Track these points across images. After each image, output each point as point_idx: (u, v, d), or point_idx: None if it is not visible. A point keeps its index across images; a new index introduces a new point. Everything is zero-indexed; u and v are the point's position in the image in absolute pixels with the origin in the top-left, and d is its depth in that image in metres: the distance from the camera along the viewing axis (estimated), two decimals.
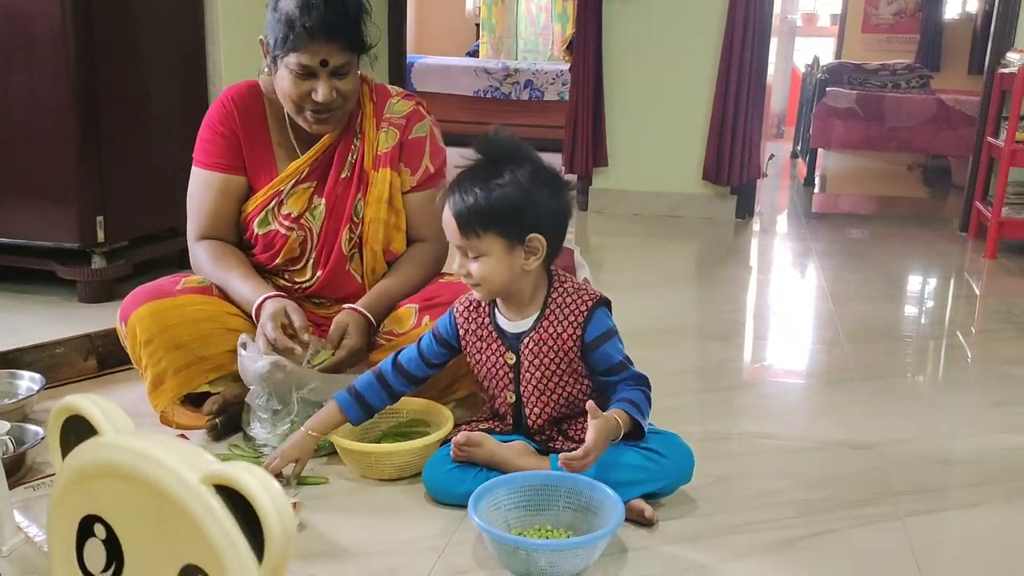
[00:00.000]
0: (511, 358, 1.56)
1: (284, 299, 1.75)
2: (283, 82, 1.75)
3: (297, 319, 1.70)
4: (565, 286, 1.56)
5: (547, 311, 1.54)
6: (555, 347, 1.53)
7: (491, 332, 1.58)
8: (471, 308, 1.60)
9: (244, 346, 1.68)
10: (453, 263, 1.58)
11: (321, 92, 1.72)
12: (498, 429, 1.62)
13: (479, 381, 1.65)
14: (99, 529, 0.71)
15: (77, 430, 0.75)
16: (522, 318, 1.55)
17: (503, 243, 1.47)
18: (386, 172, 1.86)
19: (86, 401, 0.75)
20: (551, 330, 1.53)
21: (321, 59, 1.70)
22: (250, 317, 1.77)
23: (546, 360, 1.54)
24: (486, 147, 1.49)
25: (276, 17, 1.70)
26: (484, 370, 1.60)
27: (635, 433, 1.50)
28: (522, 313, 1.55)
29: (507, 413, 1.61)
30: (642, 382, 1.54)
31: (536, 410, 1.57)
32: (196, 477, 0.67)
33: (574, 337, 1.52)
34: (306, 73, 1.71)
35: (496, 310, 1.58)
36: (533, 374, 1.55)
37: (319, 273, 1.88)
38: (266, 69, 1.80)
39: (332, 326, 1.76)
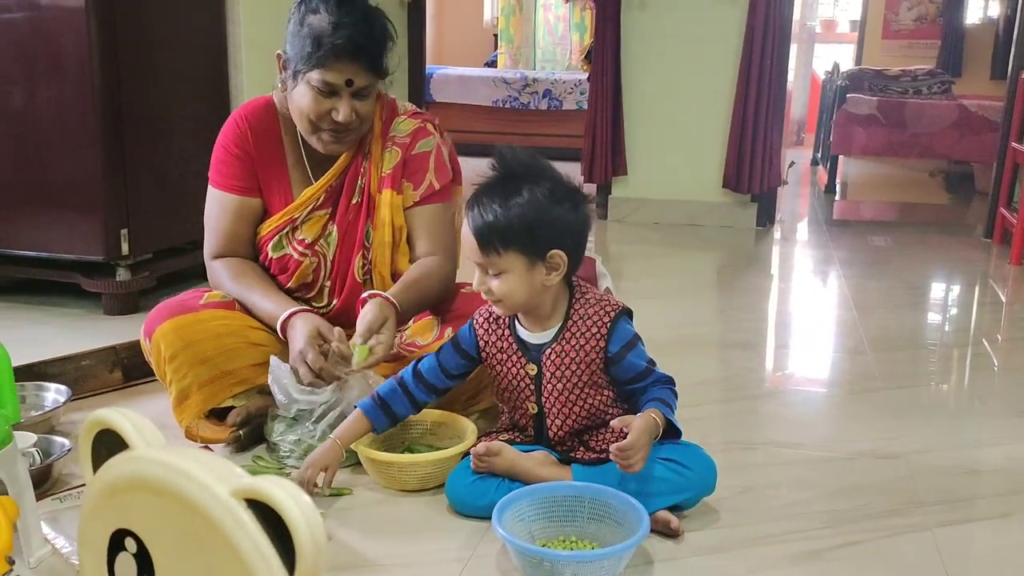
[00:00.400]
0: (532, 369, 1.56)
1: (311, 315, 1.73)
2: (302, 99, 1.72)
3: (333, 335, 1.67)
4: (587, 297, 1.55)
5: (569, 323, 1.53)
6: (577, 359, 1.53)
7: (511, 344, 1.57)
8: (491, 320, 1.60)
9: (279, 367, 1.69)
10: (470, 276, 1.57)
11: (343, 112, 1.70)
12: (518, 440, 1.62)
13: (499, 392, 1.64)
14: (130, 543, 0.72)
15: (108, 444, 0.75)
16: (543, 330, 1.55)
17: (524, 260, 1.46)
18: (388, 193, 1.84)
19: (117, 415, 0.75)
20: (573, 342, 1.52)
21: (347, 79, 1.68)
22: (274, 330, 1.76)
23: (568, 372, 1.53)
24: (503, 163, 1.49)
25: (302, 32, 1.68)
26: (505, 382, 1.60)
27: (670, 432, 1.51)
28: (543, 325, 1.55)
29: (528, 424, 1.61)
30: (669, 381, 1.55)
31: (558, 421, 1.56)
32: (227, 491, 0.67)
33: (597, 349, 1.52)
34: (329, 91, 1.69)
35: (516, 322, 1.58)
36: (555, 386, 1.54)
37: (335, 301, 1.88)
38: (279, 84, 1.79)
39: (362, 321, 1.67)
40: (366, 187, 1.84)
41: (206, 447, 1.76)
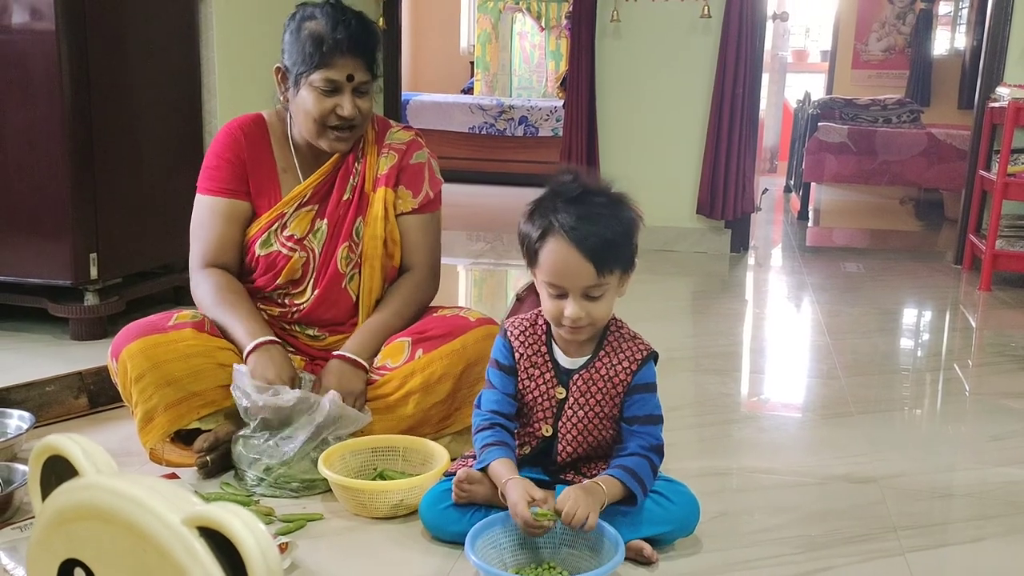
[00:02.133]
0: (560, 393, 1.52)
1: (277, 348, 1.75)
2: (306, 102, 1.79)
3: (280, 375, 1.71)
4: (623, 331, 1.54)
5: (602, 352, 1.51)
6: (604, 388, 1.50)
7: (546, 361, 1.53)
8: (527, 333, 1.54)
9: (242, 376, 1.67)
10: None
11: (347, 107, 1.78)
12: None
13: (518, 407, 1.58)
14: (79, 574, 0.69)
15: (58, 471, 0.73)
16: (578, 355, 1.52)
17: (618, 276, 1.45)
18: (382, 191, 1.89)
19: (67, 441, 0.73)
20: (603, 371, 1.50)
21: (348, 73, 1.76)
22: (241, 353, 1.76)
23: (592, 400, 1.51)
24: (577, 180, 1.44)
25: (300, 38, 1.77)
26: (529, 397, 1.54)
27: (628, 499, 1.46)
28: (581, 350, 1.52)
29: (532, 443, 1.56)
30: (654, 449, 1.51)
31: (569, 448, 1.53)
32: (178, 518, 0.65)
33: (624, 383, 1.50)
34: (332, 89, 1.77)
35: (553, 342, 1.54)
36: (576, 412, 1.51)
37: (315, 292, 1.88)
38: (280, 99, 1.85)
39: (324, 375, 1.76)
40: (358, 186, 1.90)
41: (173, 473, 1.72)
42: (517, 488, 1.40)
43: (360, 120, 1.82)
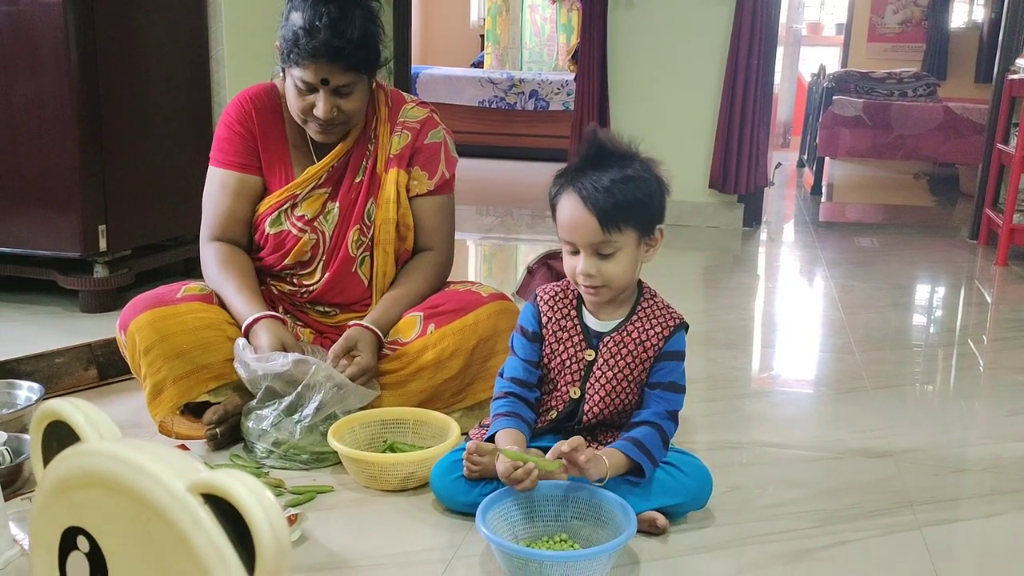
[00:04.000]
0: (590, 355, 1.52)
1: (276, 323, 1.72)
2: (289, 91, 1.75)
3: (296, 346, 1.70)
4: (656, 299, 1.55)
5: (634, 316, 1.52)
6: (634, 351, 1.50)
7: (576, 325, 1.53)
8: (556, 298, 1.55)
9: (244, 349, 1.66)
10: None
11: (320, 108, 1.71)
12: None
13: (545, 371, 1.57)
14: (82, 542, 0.67)
15: (59, 436, 0.71)
16: (609, 318, 1.52)
17: (635, 236, 1.44)
18: (394, 172, 1.85)
19: (69, 406, 0.71)
20: (635, 335, 1.50)
21: (322, 78, 1.69)
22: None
23: (621, 363, 1.51)
24: (596, 141, 1.46)
25: (286, 27, 1.70)
26: (557, 361, 1.54)
27: (636, 471, 1.46)
28: (611, 314, 1.52)
29: (556, 408, 1.55)
30: (670, 416, 1.50)
31: (596, 409, 1.52)
32: (182, 485, 0.63)
33: (655, 348, 1.50)
34: (308, 88, 1.71)
35: (583, 306, 1.54)
36: (604, 373, 1.51)
37: (326, 275, 1.86)
38: (280, 72, 1.80)
39: (340, 339, 1.73)
40: (370, 167, 1.86)
41: (182, 445, 1.72)
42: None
43: (343, 119, 1.75)
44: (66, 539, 0.69)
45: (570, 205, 1.43)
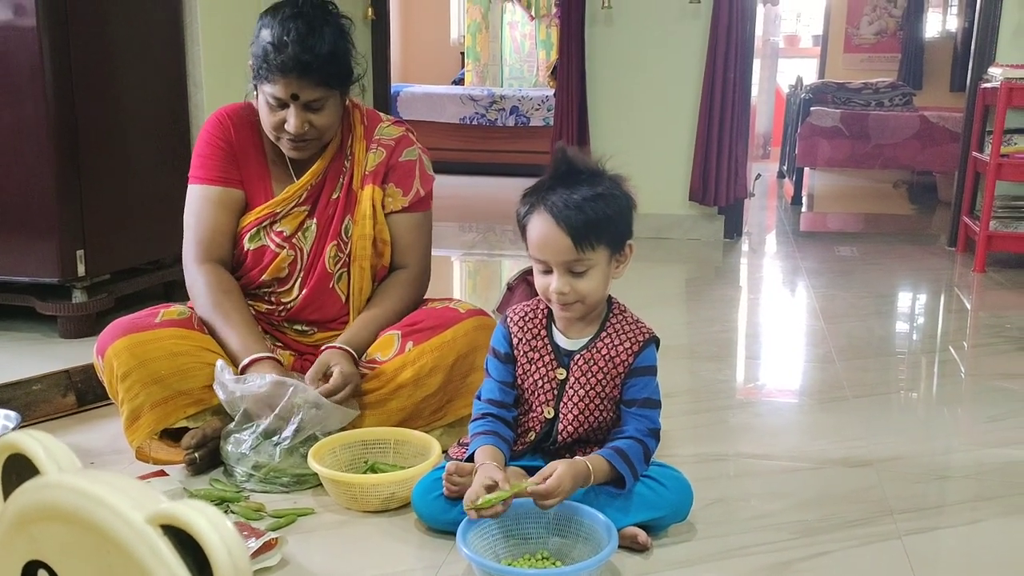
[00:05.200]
0: (561, 374, 1.52)
1: (274, 363, 1.71)
2: (261, 108, 1.77)
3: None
4: (625, 314, 1.55)
5: (604, 333, 1.51)
6: (605, 368, 1.50)
7: (546, 344, 1.53)
8: (526, 318, 1.55)
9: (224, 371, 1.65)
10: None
11: (291, 123, 1.72)
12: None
13: (519, 393, 1.57)
14: (43, 575, 0.66)
15: (18, 469, 0.70)
16: (579, 336, 1.52)
17: (607, 253, 1.45)
18: (369, 188, 1.86)
19: (28, 439, 0.70)
20: (604, 351, 1.50)
21: (292, 93, 1.70)
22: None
23: (592, 380, 1.50)
24: (565, 159, 1.46)
25: (256, 44, 1.72)
26: (530, 382, 1.54)
27: (618, 481, 1.46)
28: (581, 331, 1.52)
29: (534, 429, 1.55)
30: (651, 433, 1.50)
31: (570, 428, 1.52)
32: (141, 517, 0.62)
33: (626, 363, 1.50)
34: (279, 104, 1.72)
35: (553, 325, 1.54)
36: (576, 391, 1.51)
37: (303, 291, 1.86)
38: (254, 90, 1.80)
39: (315, 364, 1.73)
40: (346, 183, 1.87)
41: (161, 471, 1.70)
42: (479, 475, 1.41)
43: (316, 134, 1.77)
44: (27, 573, 0.68)
45: (542, 224, 1.43)
